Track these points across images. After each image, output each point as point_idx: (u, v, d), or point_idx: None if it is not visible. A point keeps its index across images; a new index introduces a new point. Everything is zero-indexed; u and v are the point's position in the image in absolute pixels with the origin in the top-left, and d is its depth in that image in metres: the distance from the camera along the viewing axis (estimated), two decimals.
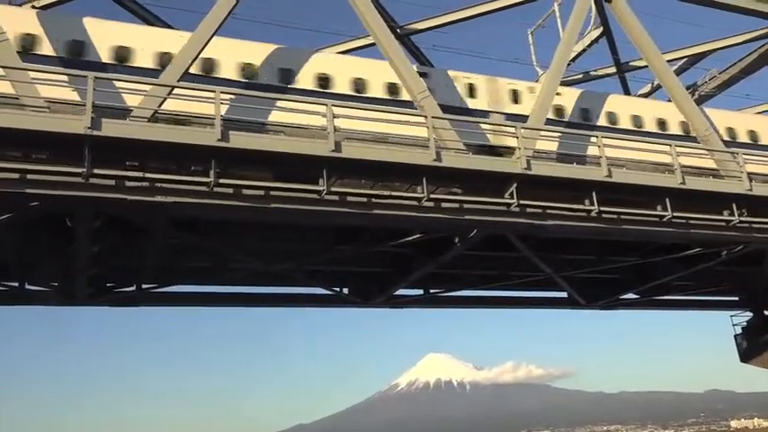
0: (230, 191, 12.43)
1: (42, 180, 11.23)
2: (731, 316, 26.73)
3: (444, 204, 14.14)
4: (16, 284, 16.41)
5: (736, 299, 25.89)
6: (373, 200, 13.51)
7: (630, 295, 23.08)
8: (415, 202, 13.83)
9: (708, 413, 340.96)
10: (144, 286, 17.43)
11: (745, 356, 26.29)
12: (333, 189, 13.01)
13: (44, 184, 11.25)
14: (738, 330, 26.54)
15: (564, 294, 22.23)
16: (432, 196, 13.83)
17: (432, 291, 20.61)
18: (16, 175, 11.09)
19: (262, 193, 12.70)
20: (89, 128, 11.06)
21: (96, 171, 11.35)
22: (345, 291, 19.79)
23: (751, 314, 26.18)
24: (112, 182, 11.66)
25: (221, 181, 12.21)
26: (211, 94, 12.53)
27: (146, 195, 11.86)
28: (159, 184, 11.93)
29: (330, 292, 19.43)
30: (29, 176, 11.16)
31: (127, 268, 17.05)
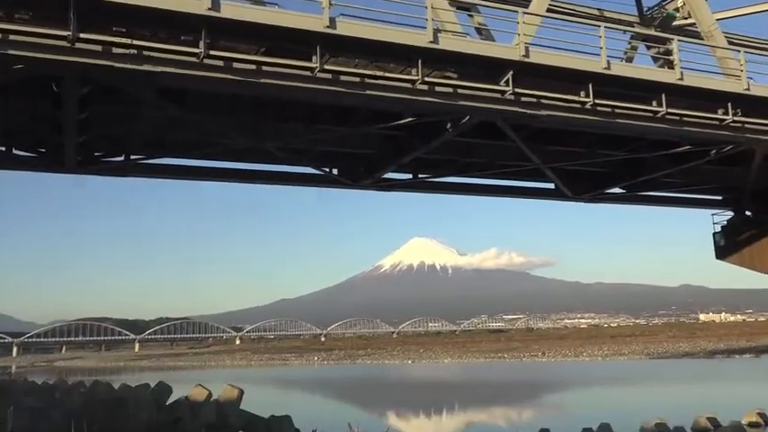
0: (221, 63, 12.14)
1: (27, 42, 10.88)
2: (712, 214, 27.30)
3: (438, 88, 13.94)
4: (3, 149, 16.31)
5: (720, 198, 26.30)
6: (366, 80, 13.28)
7: (616, 189, 23.34)
8: (408, 85, 13.61)
9: (679, 306, 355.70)
10: (132, 157, 17.37)
11: (722, 254, 27.08)
12: (326, 67, 12.75)
13: (29, 47, 10.91)
14: (718, 229, 27.19)
15: (551, 185, 22.43)
16: (426, 79, 13.60)
17: (420, 175, 20.72)
18: None
19: (253, 67, 12.42)
20: None
21: (82, 35, 11.00)
22: (334, 171, 19.86)
23: (732, 213, 26.72)
24: (99, 47, 11.33)
25: (211, 53, 11.91)
26: None
27: (133, 63, 11.56)
28: (147, 53, 11.60)
29: (319, 172, 19.50)
30: (12, 37, 10.81)
31: (116, 138, 16.93)
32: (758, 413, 30.59)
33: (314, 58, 12.54)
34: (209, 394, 18.58)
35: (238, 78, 12.33)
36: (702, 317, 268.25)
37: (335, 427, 9.13)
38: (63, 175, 17.31)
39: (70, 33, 10.81)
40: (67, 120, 13.90)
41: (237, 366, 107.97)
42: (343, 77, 13.07)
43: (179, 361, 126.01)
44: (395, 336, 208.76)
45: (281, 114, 16.55)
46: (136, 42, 11.51)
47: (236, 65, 12.26)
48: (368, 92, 13.34)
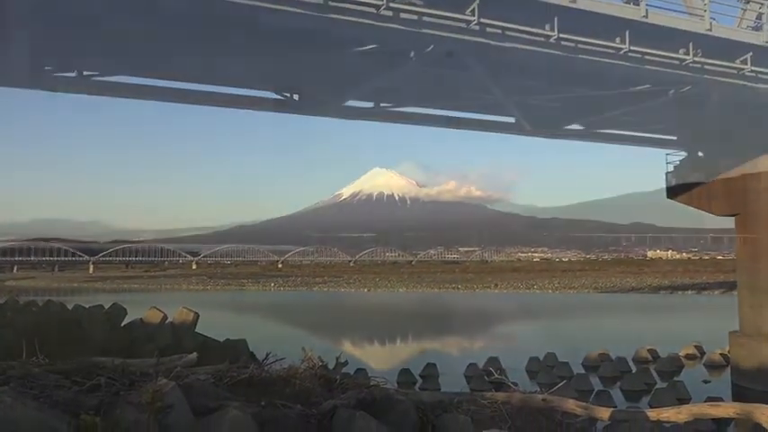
0: None
1: None
2: (666, 154, 27.85)
3: (403, 15, 13.66)
4: None
5: (674, 138, 26.78)
6: (330, 3, 12.92)
7: (575, 126, 23.53)
8: (372, 10, 13.30)
9: (628, 243, 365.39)
10: (86, 73, 16.75)
11: (673, 193, 27.79)
12: None
13: None
14: (671, 168, 27.80)
15: (512, 119, 22.48)
16: (391, 5, 13.30)
17: (382, 104, 20.52)
18: None
19: None
20: None
21: None
22: (295, 97, 19.52)
23: (685, 154, 27.29)
24: None
25: None
26: None
27: None
28: None
29: (280, 97, 19.14)
30: None
31: (67, 53, 16.25)
32: (695, 346, 32.16)
33: None
34: (164, 317, 18.58)
35: None
36: (650, 254, 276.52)
37: (290, 351, 9.26)
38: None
39: None
40: (14, 32, 13.26)
41: (193, 290, 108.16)
42: None
43: (134, 284, 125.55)
44: (352, 264, 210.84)
45: (243, 36, 16.04)
46: None
47: None
48: (331, 15, 13.00)
